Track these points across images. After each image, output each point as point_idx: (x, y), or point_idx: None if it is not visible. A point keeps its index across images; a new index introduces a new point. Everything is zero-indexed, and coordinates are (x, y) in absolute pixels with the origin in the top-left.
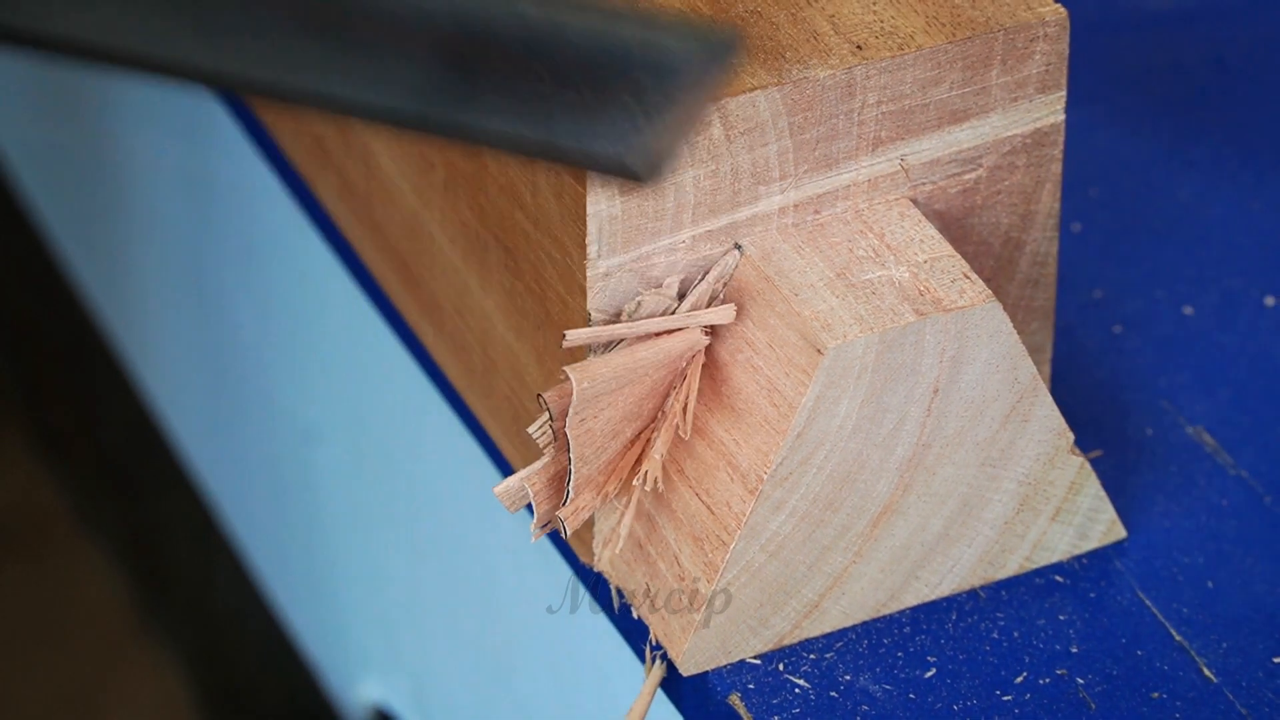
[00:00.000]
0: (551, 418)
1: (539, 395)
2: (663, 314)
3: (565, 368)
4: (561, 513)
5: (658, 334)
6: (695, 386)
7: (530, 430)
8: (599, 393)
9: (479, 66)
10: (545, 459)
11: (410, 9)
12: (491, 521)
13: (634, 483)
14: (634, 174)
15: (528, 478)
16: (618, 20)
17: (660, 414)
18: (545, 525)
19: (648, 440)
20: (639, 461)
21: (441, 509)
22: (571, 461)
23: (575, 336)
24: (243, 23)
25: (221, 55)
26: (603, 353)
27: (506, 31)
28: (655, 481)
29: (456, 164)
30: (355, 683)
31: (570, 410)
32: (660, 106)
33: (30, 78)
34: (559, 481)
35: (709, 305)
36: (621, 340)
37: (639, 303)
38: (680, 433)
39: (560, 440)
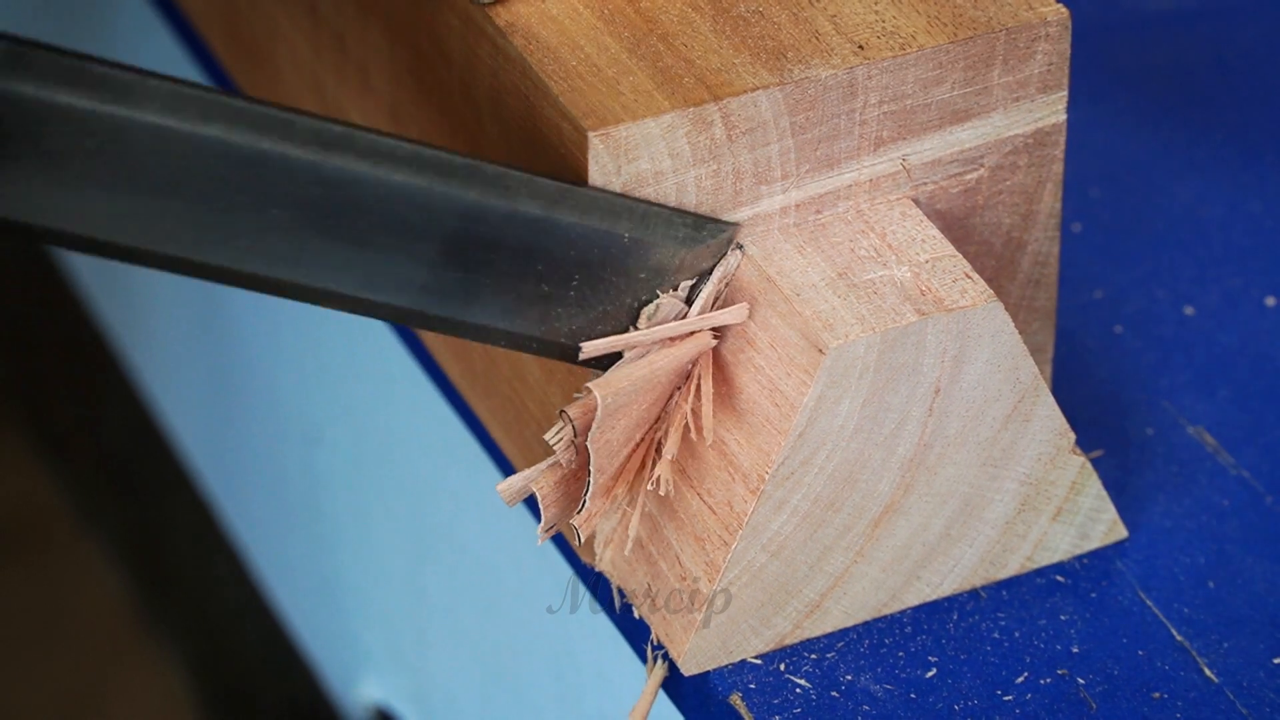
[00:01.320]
0: (575, 433)
1: (561, 410)
2: (675, 317)
3: (589, 384)
4: (576, 520)
5: (670, 339)
6: (709, 390)
7: (547, 437)
8: (620, 405)
9: (482, 266)
10: (551, 461)
11: (415, 209)
12: (493, 521)
13: (647, 487)
14: None
15: (533, 480)
16: (616, 218)
17: (663, 415)
18: (551, 529)
19: (651, 442)
20: (644, 463)
21: (442, 509)
22: (591, 474)
23: (591, 349)
24: (255, 223)
25: (232, 253)
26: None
27: (508, 229)
28: (668, 486)
29: None
30: (356, 683)
31: (594, 426)
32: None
33: None
34: (566, 486)
35: (715, 306)
36: (637, 346)
37: (657, 306)
38: (695, 437)
39: (580, 453)
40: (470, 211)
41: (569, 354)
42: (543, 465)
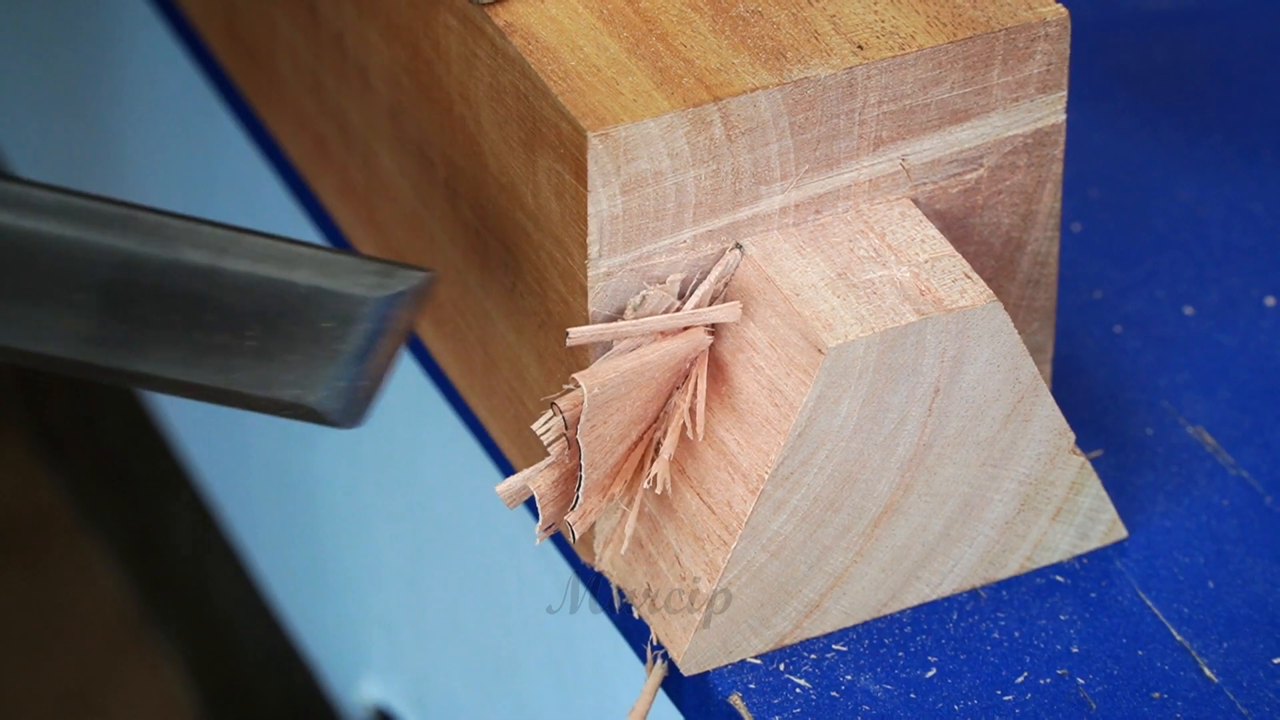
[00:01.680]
0: (565, 424)
1: (550, 400)
2: (665, 311)
3: (575, 375)
4: (570, 517)
5: (662, 334)
6: (703, 388)
7: (535, 428)
8: (609, 399)
9: (148, 316)
10: (549, 460)
11: (72, 263)
12: (492, 521)
13: (644, 485)
14: (327, 418)
15: (531, 479)
16: (291, 267)
17: (662, 414)
18: (549, 528)
19: (650, 441)
20: (642, 463)
21: (442, 508)
22: (583, 468)
23: (578, 335)
24: None
25: None
26: (607, 352)
27: (172, 280)
28: (665, 485)
29: (457, 163)
30: (356, 683)
31: (582, 418)
32: (349, 351)
33: (30, 76)
34: (564, 484)
35: (711, 305)
36: (625, 338)
37: (643, 298)
38: (690, 435)
39: (572, 447)
40: (128, 262)
41: (258, 405)
42: (540, 465)
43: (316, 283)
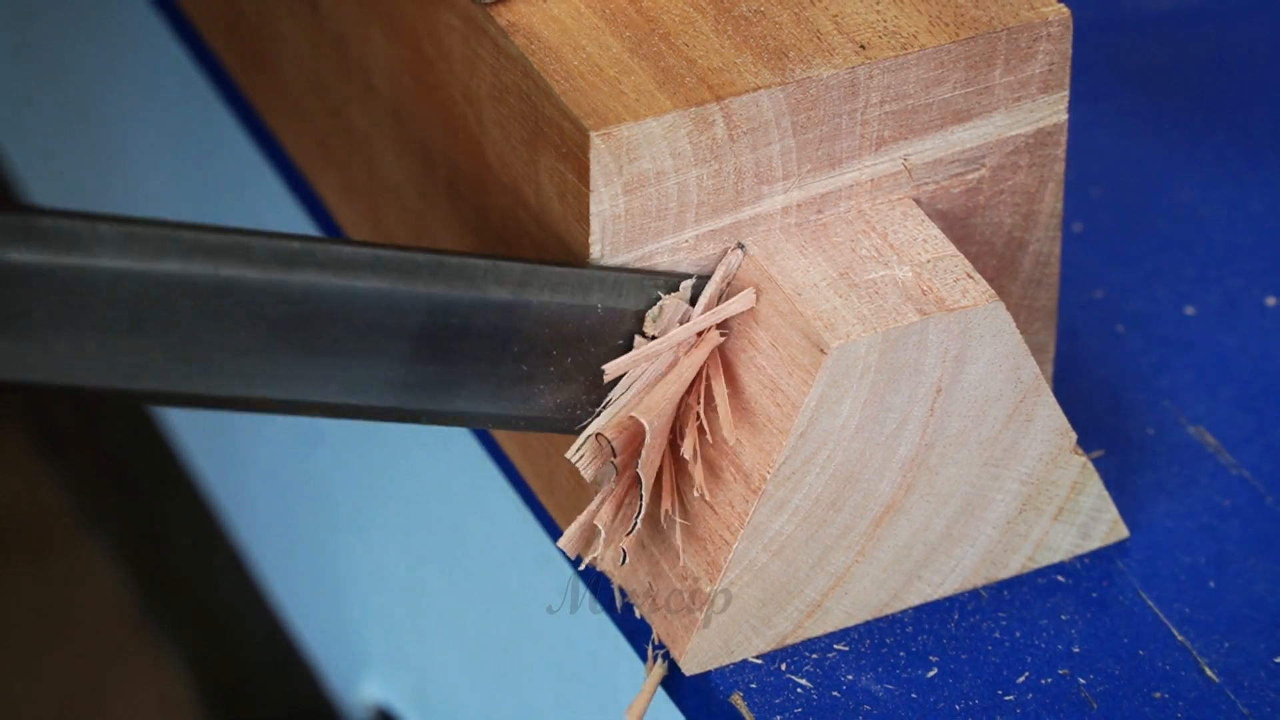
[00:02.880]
0: (614, 453)
1: (599, 435)
2: (679, 318)
3: (634, 413)
4: (625, 544)
5: (688, 343)
6: (723, 390)
7: (569, 455)
8: (662, 426)
9: (458, 356)
10: (602, 495)
11: (383, 311)
12: (493, 521)
13: (694, 494)
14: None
15: (595, 518)
16: (587, 291)
17: (677, 418)
18: (603, 555)
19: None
20: (659, 469)
21: (443, 508)
22: (644, 498)
23: (616, 367)
24: (224, 348)
25: (206, 381)
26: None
27: (479, 318)
28: (706, 492)
29: (460, 164)
30: (357, 682)
31: (644, 452)
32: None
33: (30, 77)
34: (624, 512)
35: (720, 304)
36: (657, 356)
37: (660, 307)
38: (717, 438)
39: (627, 476)
40: (438, 306)
41: (557, 427)
42: (596, 504)
43: (612, 304)
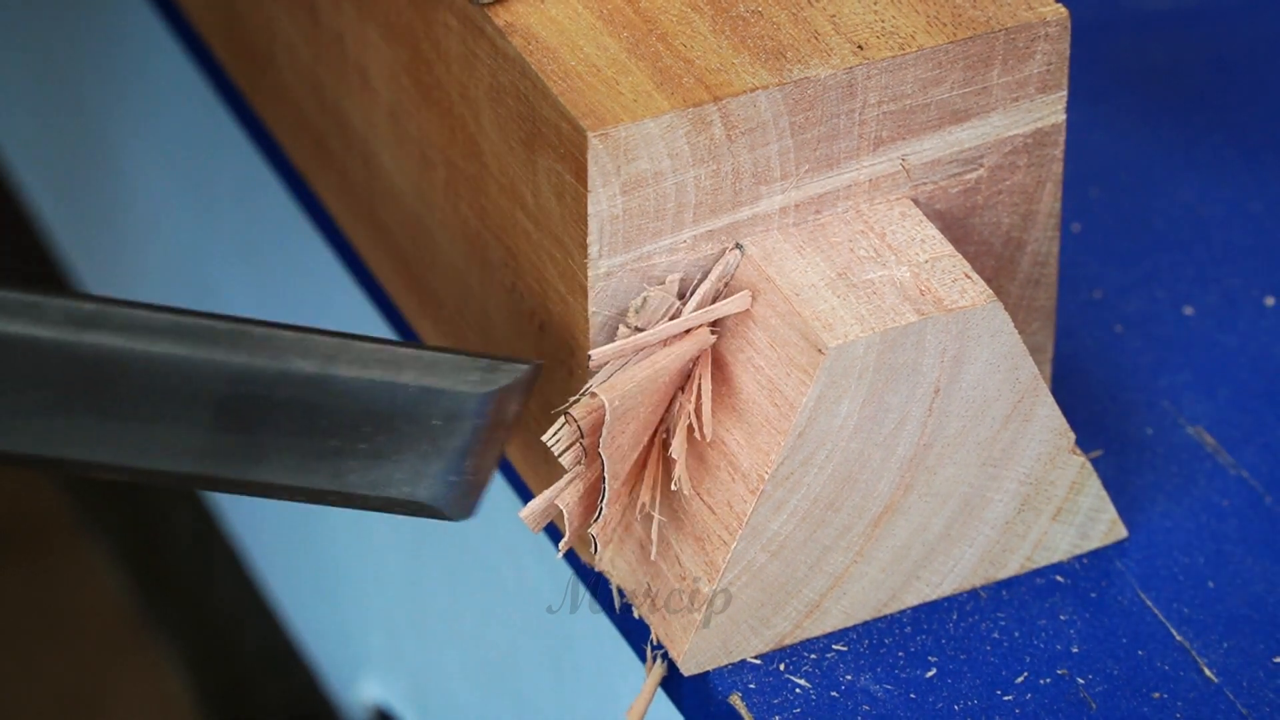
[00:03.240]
0: (582, 434)
1: (565, 412)
2: (667, 311)
3: (595, 388)
4: (594, 529)
5: (673, 336)
6: (708, 387)
7: (545, 439)
8: (627, 408)
9: (261, 426)
10: (569, 476)
11: (184, 380)
12: (492, 520)
13: (672, 488)
14: (440, 513)
15: (557, 498)
16: (399, 369)
17: (667, 415)
18: (570, 541)
19: (652, 443)
20: (644, 465)
21: None
22: (606, 480)
23: (601, 355)
24: (14, 406)
25: (6, 437)
26: (604, 346)
27: (284, 390)
28: (686, 487)
29: (457, 164)
30: (355, 682)
31: (604, 430)
32: (458, 446)
33: (30, 77)
34: (588, 497)
35: (714, 303)
36: (644, 347)
37: (644, 299)
38: (698, 435)
39: (592, 458)
40: (239, 375)
41: (372, 505)
42: (562, 483)
43: (424, 382)
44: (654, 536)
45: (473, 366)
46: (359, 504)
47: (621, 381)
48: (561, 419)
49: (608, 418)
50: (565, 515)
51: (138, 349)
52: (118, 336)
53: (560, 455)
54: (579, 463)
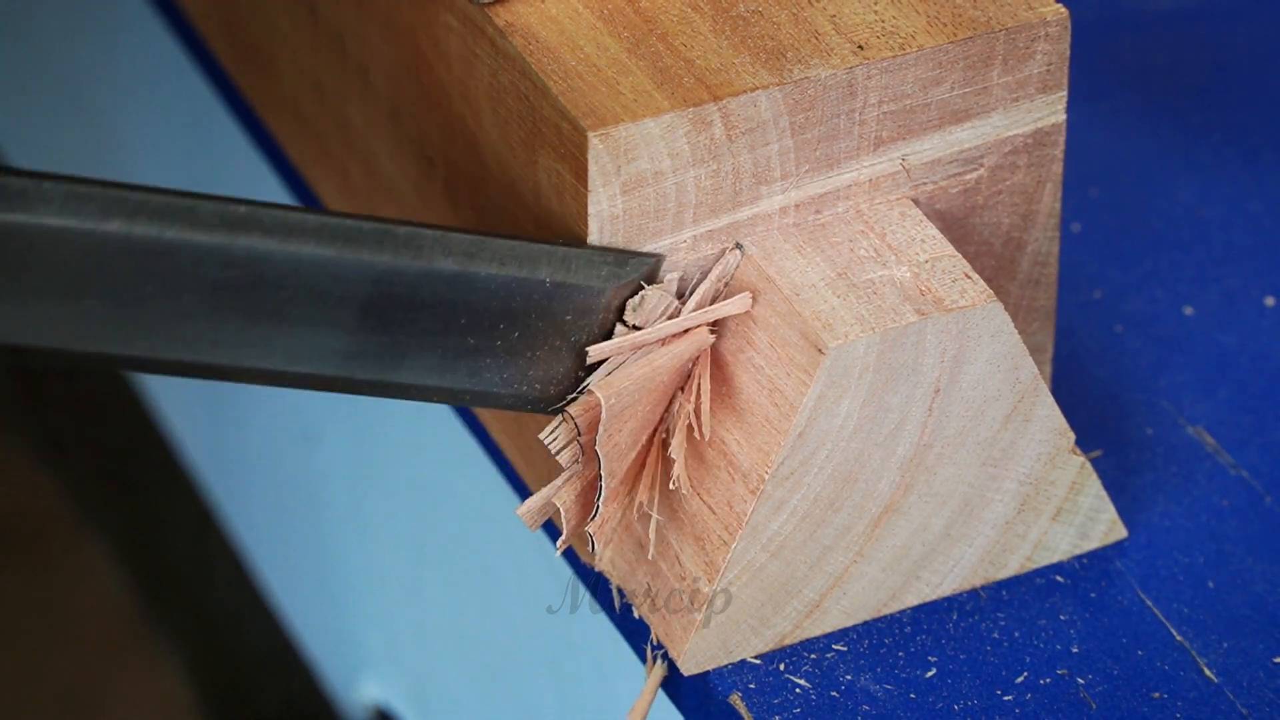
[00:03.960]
0: (579, 432)
1: (563, 410)
2: (664, 311)
3: (592, 386)
4: (590, 527)
5: (672, 336)
6: (707, 387)
7: (542, 437)
8: (624, 406)
9: (403, 326)
10: (567, 474)
11: (328, 279)
12: (492, 520)
13: (670, 487)
14: (563, 412)
15: (554, 496)
16: (535, 265)
17: (666, 415)
18: (571, 540)
19: (653, 443)
20: (643, 465)
21: (442, 507)
22: (602, 478)
23: (598, 351)
24: (169, 312)
25: (150, 344)
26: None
27: (426, 289)
28: (685, 487)
29: (457, 163)
30: (355, 682)
31: (600, 428)
32: (589, 341)
33: (30, 77)
34: (585, 496)
35: (714, 303)
36: (642, 346)
37: (642, 297)
38: (697, 435)
39: (589, 456)
40: (384, 275)
41: (503, 403)
42: (560, 481)
43: (559, 278)
44: (652, 536)
45: (602, 261)
46: (493, 402)
47: (619, 380)
48: (559, 416)
49: (604, 415)
50: (562, 513)
51: (288, 250)
52: (269, 238)
53: (557, 453)
54: (576, 461)
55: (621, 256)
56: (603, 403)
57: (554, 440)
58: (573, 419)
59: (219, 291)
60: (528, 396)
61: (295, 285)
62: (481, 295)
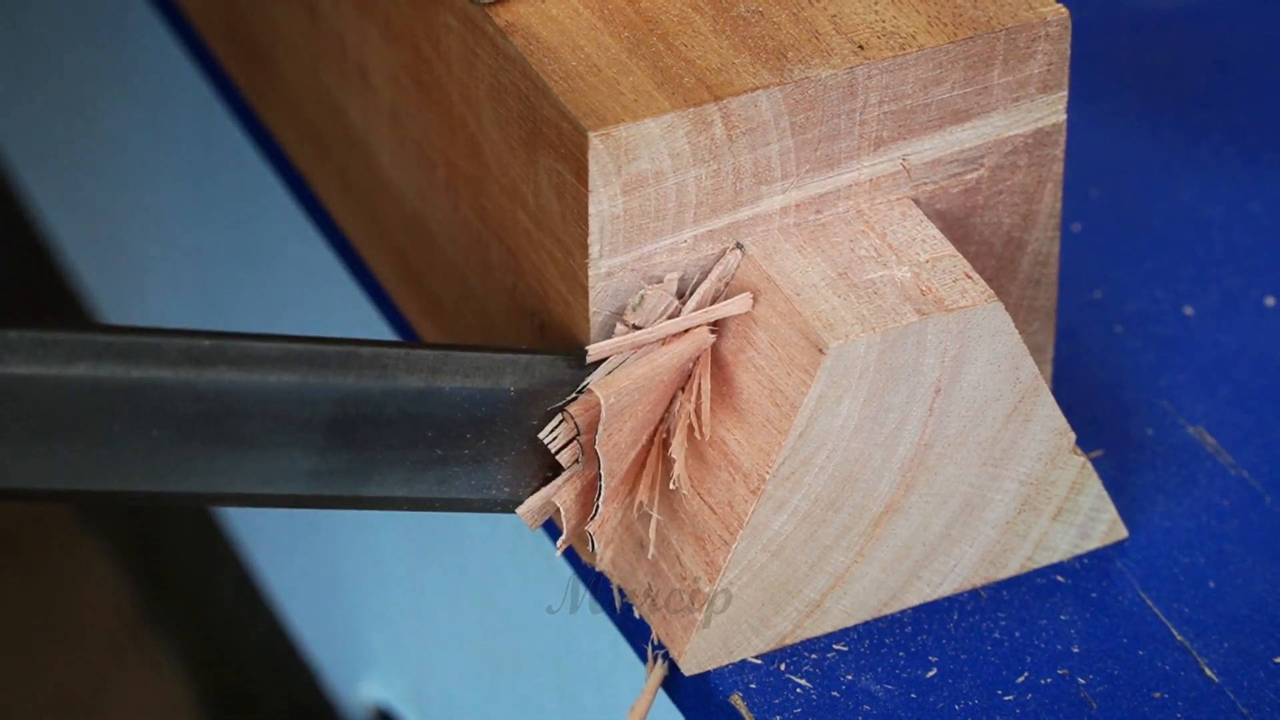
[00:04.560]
0: (579, 432)
1: (562, 409)
2: (664, 310)
3: (592, 386)
4: (590, 527)
5: (672, 335)
6: (707, 387)
7: (542, 436)
8: (624, 406)
9: (369, 443)
10: (568, 474)
11: (294, 404)
12: (493, 521)
13: (670, 487)
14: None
15: (554, 496)
16: (499, 375)
17: (667, 415)
18: (571, 540)
19: (654, 443)
20: (643, 465)
21: None
22: (602, 477)
23: (598, 349)
24: (137, 447)
25: (119, 478)
26: (601, 343)
27: (392, 406)
28: (686, 486)
29: (458, 164)
30: (356, 683)
31: (600, 428)
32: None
33: (30, 77)
34: (585, 495)
35: (714, 303)
36: (642, 345)
37: (642, 297)
38: (697, 435)
39: (589, 455)
40: (349, 396)
41: (473, 508)
42: (560, 480)
43: (524, 385)
44: (652, 536)
45: (565, 364)
46: (462, 507)
47: (619, 379)
48: (559, 415)
49: (604, 415)
50: (562, 513)
51: (253, 380)
52: (234, 370)
53: (557, 453)
54: (576, 460)
55: (581, 353)
56: (602, 402)
57: (553, 440)
58: (572, 418)
59: (187, 424)
60: (496, 499)
61: (262, 413)
62: (448, 408)
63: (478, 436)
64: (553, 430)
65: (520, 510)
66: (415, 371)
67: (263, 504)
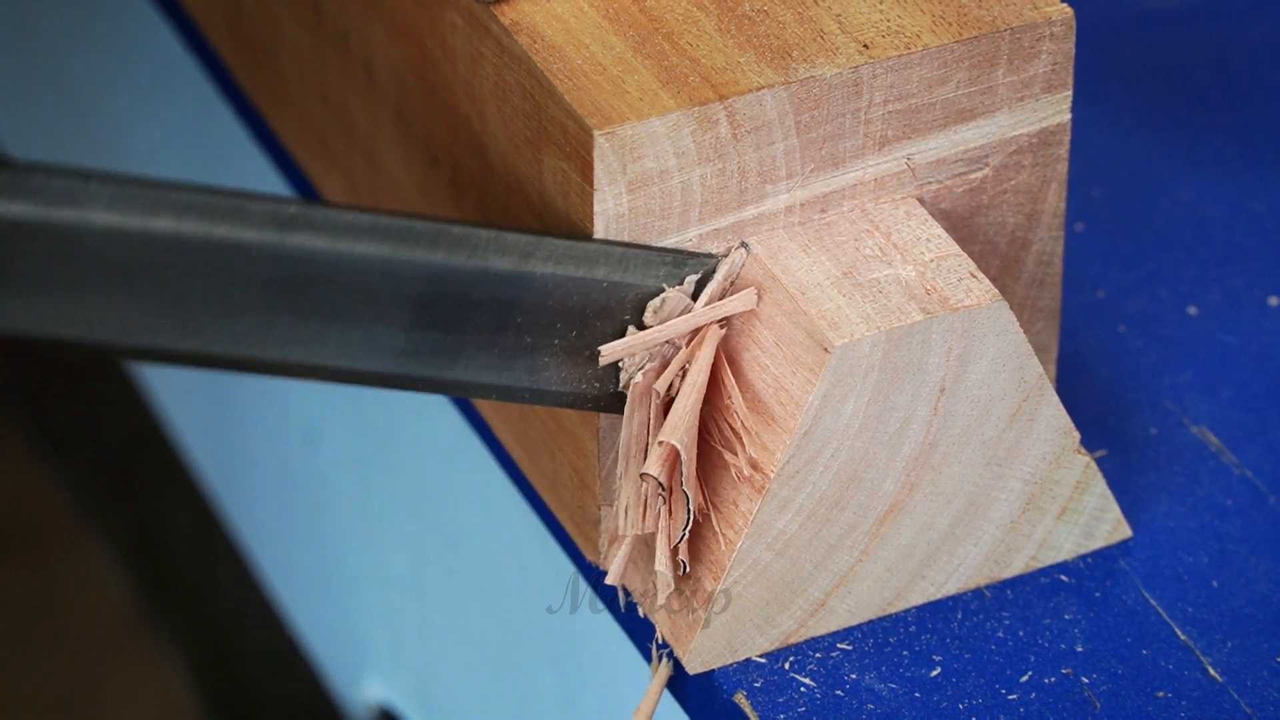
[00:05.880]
0: (664, 489)
1: (645, 474)
2: (681, 311)
3: (666, 438)
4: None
5: (686, 339)
6: (733, 381)
7: (616, 514)
8: (691, 439)
9: (458, 325)
10: (660, 533)
11: (381, 277)
12: (495, 519)
13: (681, 486)
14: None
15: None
16: (592, 264)
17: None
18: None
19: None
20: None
21: (444, 507)
22: (690, 512)
23: (610, 351)
24: (218, 308)
25: (198, 339)
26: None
27: (481, 288)
28: (749, 470)
29: (463, 162)
30: (358, 682)
31: (684, 470)
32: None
33: (30, 76)
34: (673, 526)
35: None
36: (653, 345)
37: (663, 299)
38: (740, 432)
39: (678, 497)
40: (439, 274)
41: (563, 401)
42: (624, 548)
43: (616, 278)
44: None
45: (660, 261)
46: (551, 400)
47: (678, 418)
48: (637, 483)
49: (684, 457)
50: (666, 579)
51: (341, 249)
52: (321, 237)
53: (644, 526)
54: (658, 515)
55: (680, 257)
56: (679, 447)
57: (629, 518)
58: (654, 477)
59: (270, 289)
60: (587, 395)
61: (347, 283)
62: (537, 295)
63: (569, 327)
64: (637, 503)
65: (609, 580)
66: (506, 254)
67: (348, 380)
